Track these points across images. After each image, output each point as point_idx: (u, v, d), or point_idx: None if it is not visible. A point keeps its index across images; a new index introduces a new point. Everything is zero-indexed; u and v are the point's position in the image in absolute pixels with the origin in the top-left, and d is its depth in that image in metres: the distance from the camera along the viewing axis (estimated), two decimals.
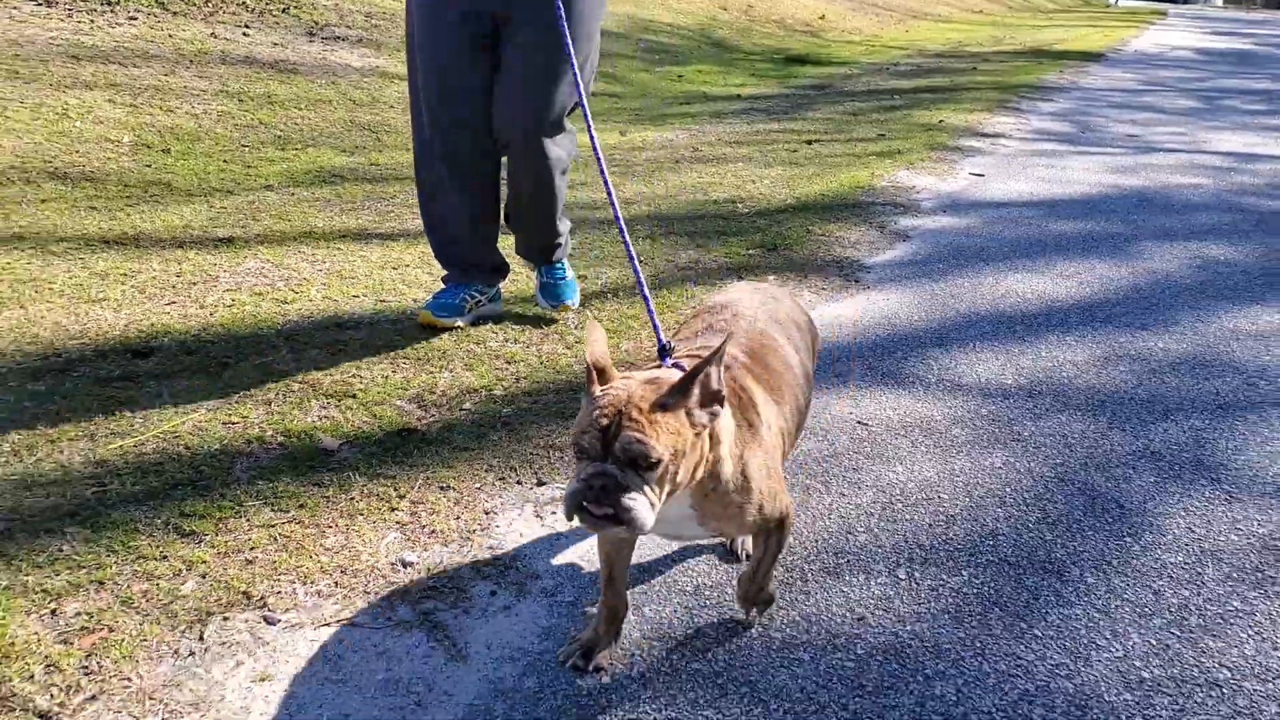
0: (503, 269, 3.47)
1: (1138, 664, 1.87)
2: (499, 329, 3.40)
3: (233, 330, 3.23)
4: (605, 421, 1.45)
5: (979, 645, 1.92)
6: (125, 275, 3.68)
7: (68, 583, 2.00)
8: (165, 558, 2.10)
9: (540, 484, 2.44)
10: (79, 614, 1.92)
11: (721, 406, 1.53)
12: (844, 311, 3.67)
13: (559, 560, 2.16)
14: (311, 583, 2.05)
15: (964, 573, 2.12)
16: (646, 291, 1.96)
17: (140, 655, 1.83)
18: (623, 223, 1.89)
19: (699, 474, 1.57)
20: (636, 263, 2.00)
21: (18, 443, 2.50)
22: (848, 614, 2.00)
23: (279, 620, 1.93)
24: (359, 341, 3.22)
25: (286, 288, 3.66)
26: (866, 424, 2.78)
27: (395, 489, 2.39)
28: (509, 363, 3.12)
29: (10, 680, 1.75)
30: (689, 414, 1.50)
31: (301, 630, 1.92)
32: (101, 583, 2.01)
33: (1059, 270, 4.26)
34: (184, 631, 1.90)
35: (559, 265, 3.53)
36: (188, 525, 2.20)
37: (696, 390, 1.50)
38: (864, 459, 2.59)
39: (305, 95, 7.00)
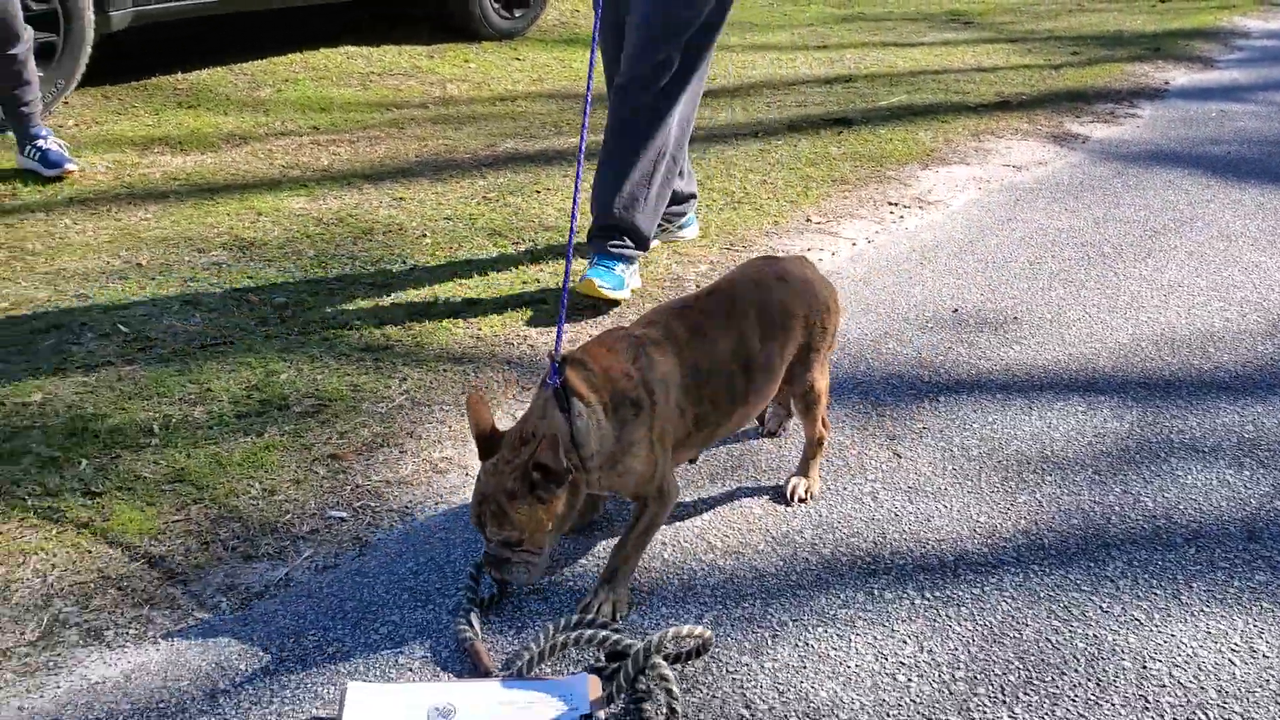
0: (687, 199, 3.58)
1: None
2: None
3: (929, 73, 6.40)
4: (477, 515, 1.82)
5: None
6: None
7: None
8: None
9: None
10: None
11: (566, 482, 1.79)
12: (1206, 77, 6.46)
13: None
14: None
15: (1232, 142, 4.98)
16: (566, 295, 2.06)
17: None
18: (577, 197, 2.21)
19: (604, 469, 1.89)
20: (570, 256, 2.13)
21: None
22: None
23: None
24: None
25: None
26: (1225, 111, 5.62)
27: None
28: None
29: None
30: (536, 497, 1.78)
31: None
32: None
33: None
34: None
35: (608, 263, 3.12)
36: None
37: (535, 483, 1.77)
38: (1215, 125, 5.46)
39: None
